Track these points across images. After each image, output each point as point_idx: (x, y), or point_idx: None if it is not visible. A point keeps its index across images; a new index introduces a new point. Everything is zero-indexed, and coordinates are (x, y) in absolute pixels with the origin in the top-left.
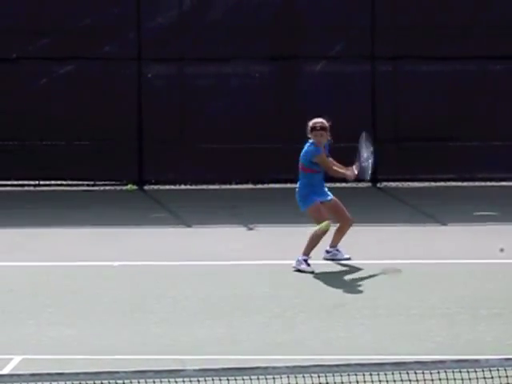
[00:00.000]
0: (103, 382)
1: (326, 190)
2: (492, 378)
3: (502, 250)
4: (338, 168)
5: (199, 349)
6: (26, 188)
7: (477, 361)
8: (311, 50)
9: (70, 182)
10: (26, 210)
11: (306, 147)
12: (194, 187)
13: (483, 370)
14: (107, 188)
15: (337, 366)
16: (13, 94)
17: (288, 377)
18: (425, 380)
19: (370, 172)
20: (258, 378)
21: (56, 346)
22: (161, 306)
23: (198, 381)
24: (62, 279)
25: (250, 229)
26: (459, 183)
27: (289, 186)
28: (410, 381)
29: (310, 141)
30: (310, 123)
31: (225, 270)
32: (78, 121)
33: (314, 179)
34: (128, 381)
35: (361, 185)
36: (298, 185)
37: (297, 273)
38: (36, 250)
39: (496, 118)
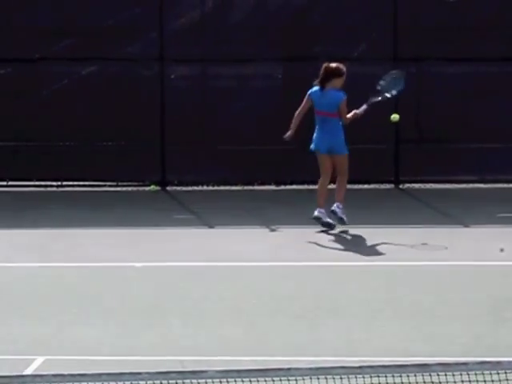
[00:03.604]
0: (126, 382)
1: None
2: None
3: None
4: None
5: (221, 350)
6: (49, 189)
7: (499, 363)
8: (333, 51)
9: (92, 183)
10: (49, 211)
11: (326, 92)
12: (216, 188)
13: (506, 372)
14: (130, 189)
15: (360, 367)
16: (35, 95)
17: (311, 378)
18: (447, 382)
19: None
20: (281, 380)
21: (79, 346)
22: (183, 307)
23: (220, 382)
24: (84, 280)
25: (273, 230)
26: (482, 185)
27: (311, 187)
28: (432, 383)
29: (317, 86)
30: (334, 67)
31: (247, 270)
32: (100, 122)
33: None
34: (151, 382)
35: (383, 186)
36: (319, 131)
37: (319, 274)
38: (58, 251)
39: None
